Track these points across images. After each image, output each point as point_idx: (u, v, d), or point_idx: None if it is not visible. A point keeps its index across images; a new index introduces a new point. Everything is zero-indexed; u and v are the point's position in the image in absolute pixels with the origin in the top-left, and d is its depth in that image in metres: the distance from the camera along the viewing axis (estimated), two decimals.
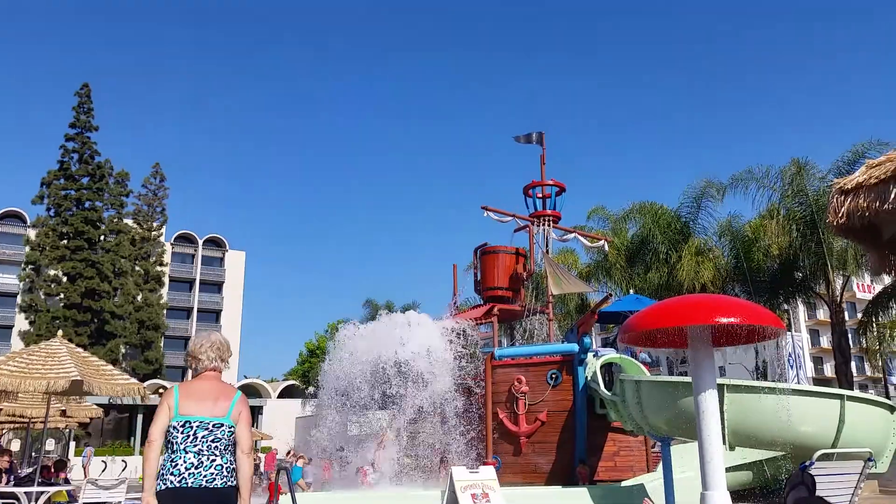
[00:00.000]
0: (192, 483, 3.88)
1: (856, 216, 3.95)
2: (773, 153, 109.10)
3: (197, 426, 4.00)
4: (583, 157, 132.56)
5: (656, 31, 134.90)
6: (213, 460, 3.97)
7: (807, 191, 24.53)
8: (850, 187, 4.01)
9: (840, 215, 3.71)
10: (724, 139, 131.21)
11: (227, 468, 4.00)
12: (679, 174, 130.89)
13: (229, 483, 3.99)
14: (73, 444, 35.40)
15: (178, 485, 3.87)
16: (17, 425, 21.98)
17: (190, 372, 4.52)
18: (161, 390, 45.22)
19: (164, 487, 3.91)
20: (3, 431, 26.43)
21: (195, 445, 3.96)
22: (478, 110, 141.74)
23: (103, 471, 25.42)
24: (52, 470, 11.36)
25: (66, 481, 10.64)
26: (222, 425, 4.04)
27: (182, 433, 3.98)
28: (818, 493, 3.06)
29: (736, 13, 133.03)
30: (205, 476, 3.92)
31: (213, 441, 4.00)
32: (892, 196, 3.72)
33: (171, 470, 3.93)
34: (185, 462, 3.93)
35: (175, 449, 3.97)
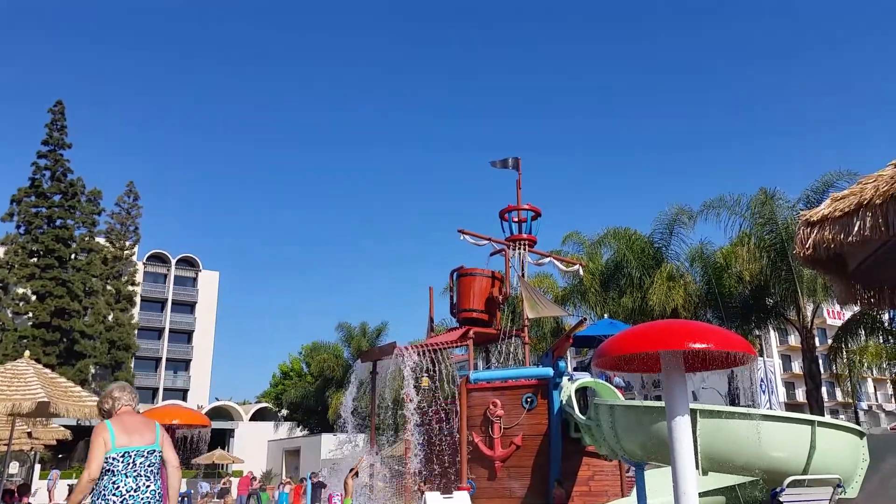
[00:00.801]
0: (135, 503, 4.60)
1: (822, 247, 4.04)
2: (747, 183, 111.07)
3: (135, 455, 4.72)
4: (558, 183, 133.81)
5: (634, 61, 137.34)
6: (149, 486, 4.71)
7: (776, 219, 24.98)
8: (816, 219, 4.10)
9: (807, 247, 3.79)
10: (698, 167, 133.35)
11: (158, 493, 4.76)
12: (653, 200, 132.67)
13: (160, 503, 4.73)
14: (38, 466, 34.51)
15: None
16: None
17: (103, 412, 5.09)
18: None
19: None
20: None
21: (135, 471, 4.67)
22: (454, 135, 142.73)
23: (70, 493, 24.79)
24: (16, 494, 11.06)
25: None
26: (154, 451, 4.83)
27: (123, 462, 4.65)
28: None
29: (713, 42, 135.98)
30: (142, 499, 4.64)
31: (149, 466, 4.75)
32: (856, 228, 3.81)
33: (112, 491, 4.57)
34: (125, 485, 4.60)
35: (116, 474, 4.62)
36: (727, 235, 27.15)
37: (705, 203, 26.90)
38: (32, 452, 25.31)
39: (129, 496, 4.60)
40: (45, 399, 8.89)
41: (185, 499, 9.87)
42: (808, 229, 3.83)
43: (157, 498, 4.72)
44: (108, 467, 4.62)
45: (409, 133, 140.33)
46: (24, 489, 10.70)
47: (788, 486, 5.57)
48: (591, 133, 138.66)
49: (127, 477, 4.63)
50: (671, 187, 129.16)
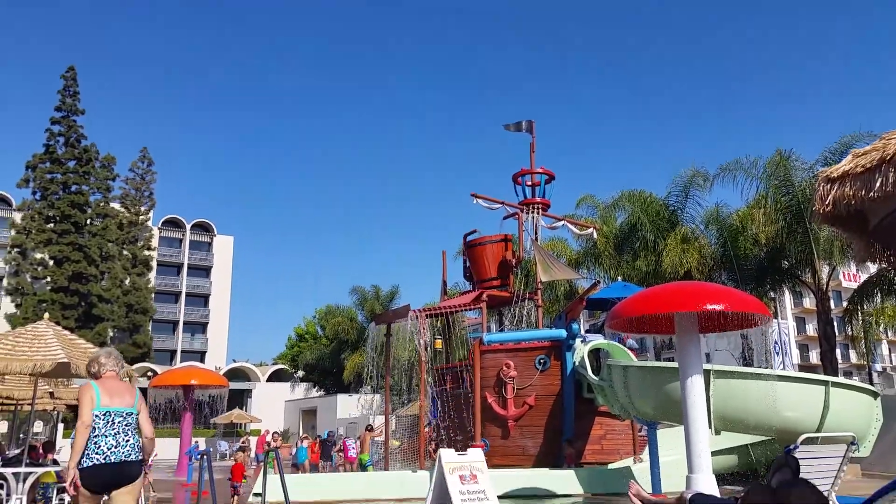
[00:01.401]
0: (114, 459, 5.13)
1: (842, 204, 3.98)
2: (765, 145, 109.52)
3: (115, 414, 5.25)
4: (573, 146, 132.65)
5: (648, 23, 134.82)
6: (128, 440, 5.25)
7: (793, 181, 24.69)
8: (836, 175, 4.04)
9: (826, 203, 3.73)
10: (716, 130, 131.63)
11: (136, 447, 5.30)
12: (669, 163, 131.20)
13: (139, 457, 5.31)
14: (61, 426, 35.31)
15: (103, 461, 5.09)
16: (4, 408, 21.91)
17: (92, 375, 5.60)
18: (150, 373, 45.21)
19: (91, 464, 5.07)
20: None
21: (114, 429, 5.20)
22: (468, 99, 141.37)
23: None
24: (41, 451, 11.35)
25: (55, 462, 10.63)
26: (132, 413, 5.35)
27: (103, 420, 5.18)
28: (802, 475, 3.12)
29: (729, 5, 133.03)
30: (123, 453, 5.19)
31: (126, 425, 5.28)
32: (878, 184, 3.75)
33: (94, 450, 5.10)
34: (106, 444, 5.14)
35: (97, 431, 5.14)
36: (743, 198, 26.90)
37: (721, 166, 26.61)
38: (55, 412, 25.89)
39: (111, 452, 5.13)
40: (66, 360, 9.04)
41: (205, 457, 10.10)
42: (829, 185, 3.77)
43: (137, 450, 5.28)
44: (102, 423, 5.17)
45: (423, 97, 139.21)
46: (49, 446, 10.97)
47: (802, 443, 5.60)
48: (606, 96, 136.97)
49: (107, 436, 5.16)
50: (688, 151, 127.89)
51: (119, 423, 5.24)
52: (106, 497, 5.22)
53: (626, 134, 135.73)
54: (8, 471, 9.65)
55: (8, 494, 9.74)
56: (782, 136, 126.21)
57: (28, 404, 14.05)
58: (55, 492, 9.79)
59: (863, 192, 3.79)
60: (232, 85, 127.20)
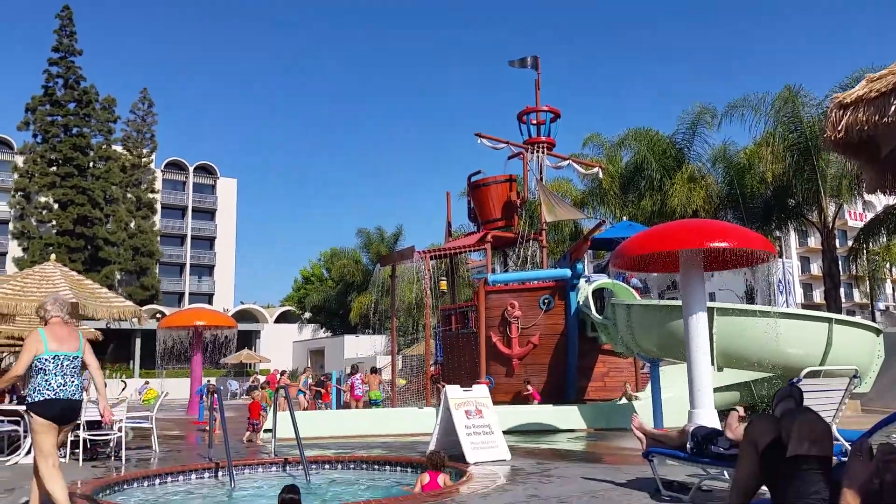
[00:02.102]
0: (61, 395, 5.70)
1: (854, 130, 3.86)
2: (773, 83, 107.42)
3: (63, 358, 5.79)
4: (580, 84, 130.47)
5: None
6: (73, 381, 5.83)
7: (802, 118, 24.32)
8: (849, 101, 3.92)
9: (838, 130, 3.62)
10: (725, 67, 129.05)
11: (79, 387, 5.88)
12: (677, 102, 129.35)
13: (81, 397, 5.95)
14: None
15: (52, 396, 5.65)
16: (15, 348, 22.22)
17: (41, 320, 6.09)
18: (158, 315, 45.68)
19: (43, 398, 5.64)
20: (3, 354, 26.73)
21: (62, 371, 5.75)
22: (472, 37, 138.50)
23: None
24: None
25: None
26: (77, 357, 5.90)
27: (53, 363, 5.73)
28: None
29: None
30: (69, 392, 5.76)
31: (73, 368, 5.84)
32: (893, 109, 3.64)
33: (45, 387, 5.66)
34: (55, 382, 5.69)
35: (48, 373, 5.69)
36: (751, 135, 26.55)
37: (729, 103, 26.17)
38: None
39: (60, 390, 5.70)
40: (74, 300, 9.10)
41: (214, 394, 10.31)
42: (841, 112, 3.66)
43: (79, 391, 5.91)
44: (41, 367, 5.71)
45: (427, 36, 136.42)
46: None
47: (805, 376, 5.65)
48: (614, 33, 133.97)
49: (56, 375, 5.73)
50: (696, 90, 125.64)
51: (67, 365, 5.80)
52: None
53: (634, 72, 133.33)
54: (22, 408, 9.84)
55: (25, 431, 9.96)
56: (792, 75, 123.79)
57: None
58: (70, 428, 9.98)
59: (876, 118, 3.69)
60: (231, 23, 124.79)
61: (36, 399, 5.62)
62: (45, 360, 5.69)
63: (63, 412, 5.70)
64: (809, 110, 24.46)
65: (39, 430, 5.62)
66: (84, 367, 6.01)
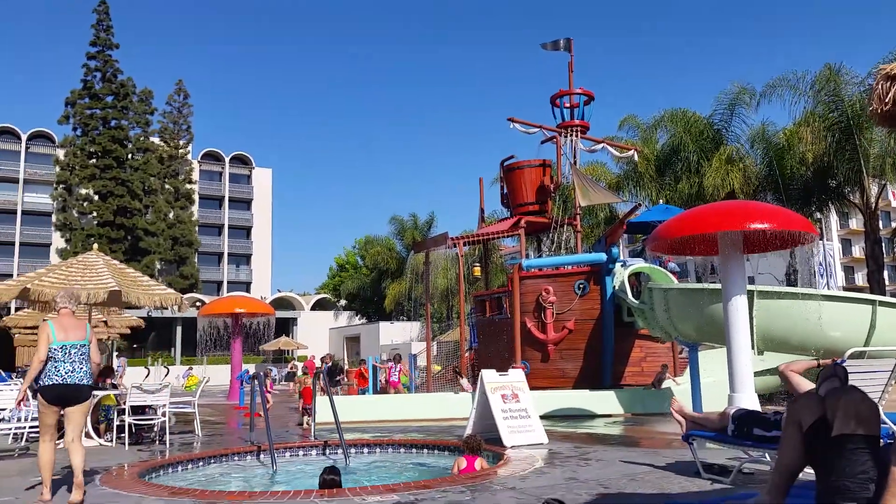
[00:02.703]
0: (69, 381, 6.26)
1: None
2: (812, 61, 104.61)
3: (70, 347, 6.32)
4: (613, 66, 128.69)
5: None
6: (82, 368, 6.37)
7: (843, 96, 23.68)
8: None
9: (886, 101, 3.50)
10: (762, 46, 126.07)
11: (88, 373, 6.44)
12: (713, 82, 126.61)
13: (89, 382, 6.48)
14: (115, 354, 36.88)
15: (59, 382, 6.22)
16: None
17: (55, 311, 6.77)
18: (198, 303, 46.54)
19: (51, 383, 6.21)
20: None
21: (70, 358, 6.29)
22: (505, 21, 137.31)
23: (146, 377, 26.43)
24: (99, 375, 11.86)
25: (114, 386, 11.14)
26: (84, 345, 6.44)
27: (61, 352, 6.27)
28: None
29: None
30: (77, 377, 6.31)
31: (80, 355, 6.38)
32: None
33: (54, 374, 6.21)
34: (64, 369, 6.24)
35: (57, 361, 6.23)
36: (790, 116, 25.92)
37: (768, 83, 25.56)
38: (110, 341, 26.99)
39: (68, 376, 6.25)
40: (117, 288, 9.32)
41: (255, 381, 10.56)
42: (888, 83, 3.54)
43: (88, 377, 6.45)
44: (51, 355, 6.22)
45: (459, 20, 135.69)
46: (107, 371, 11.46)
47: (849, 357, 5.55)
48: (648, 14, 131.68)
49: (65, 363, 6.25)
50: (734, 70, 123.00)
51: (74, 353, 6.34)
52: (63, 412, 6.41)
53: (670, 53, 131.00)
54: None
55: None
56: (831, 53, 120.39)
57: None
58: (115, 413, 10.28)
59: None
60: (261, 14, 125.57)
61: (43, 384, 6.24)
62: (54, 349, 6.24)
63: (61, 396, 6.26)
64: (851, 89, 23.78)
65: (41, 409, 6.33)
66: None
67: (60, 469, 7.00)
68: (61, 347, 6.28)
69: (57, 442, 6.60)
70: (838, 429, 2.52)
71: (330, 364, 19.55)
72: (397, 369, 19.78)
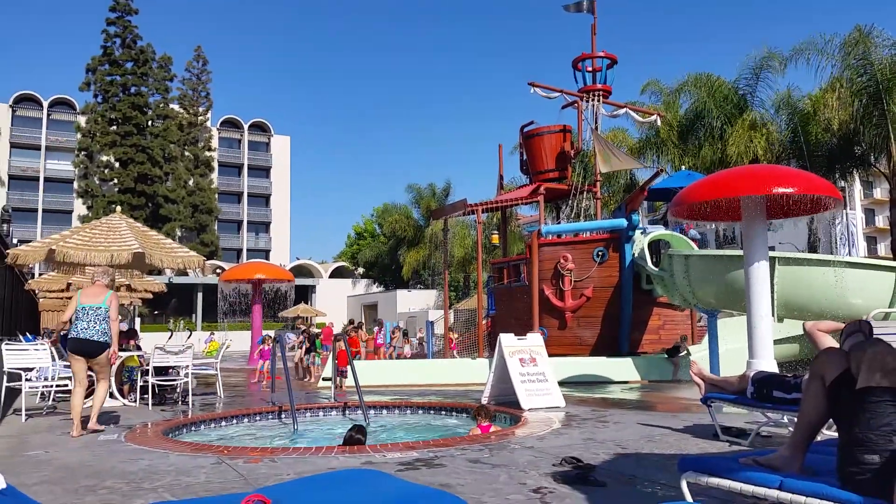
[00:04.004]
0: (83, 336, 7.64)
1: None
2: (842, 23, 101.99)
3: (89, 309, 7.73)
4: (637, 29, 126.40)
5: None
6: (96, 326, 7.68)
7: (872, 60, 23.12)
8: None
9: None
10: (791, 10, 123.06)
11: (102, 331, 7.71)
12: (739, 45, 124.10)
13: (104, 339, 7.72)
14: (137, 320, 37.39)
15: (76, 336, 7.64)
16: None
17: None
18: (219, 270, 47.00)
19: (72, 336, 7.67)
20: None
21: (87, 318, 7.70)
22: None
23: (169, 338, 26.87)
24: (123, 337, 12.06)
25: (138, 347, 11.32)
26: (100, 307, 7.76)
27: (81, 313, 7.72)
28: None
29: None
30: (89, 333, 7.65)
31: (96, 316, 7.72)
32: None
33: (73, 329, 7.68)
34: (80, 326, 7.65)
35: (79, 319, 7.70)
36: (817, 81, 25.36)
37: (795, 47, 24.98)
38: (132, 306, 27.38)
39: (83, 332, 7.63)
40: (140, 250, 9.42)
41: (277, 343, 10.76)
42: None
43: (101, 334, 7.70)
44: (76, 315, 7.71)
45: None
46: (131, 333, 11.65)
47: (874, 318, 5.49)
48: None
49: (82, 321, 7.67)
50: (761, 33, 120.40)
51: (91, 313, 7.70)
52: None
53: (695, 15, 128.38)
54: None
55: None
56: (862, 14, 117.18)
57: None
58: (139, 374, 10.47)
59: None
60: None
61: (68, 336, 7.77)
62: (78, 310, 7.74)
63: (76, 348, 7.62)
64: (881, 51, 23.22)
65: (70, 359, 7.76)
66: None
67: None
68: (81, 309, 7.73)
69: (85, 400, 7.76)
70: (864, 381, 2.50)
71: (307, 336, 19.43)
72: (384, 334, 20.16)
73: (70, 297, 20.42)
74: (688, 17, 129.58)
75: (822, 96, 24.87)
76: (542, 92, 18.94)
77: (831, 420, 2.91)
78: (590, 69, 19.42)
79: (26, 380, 9.06)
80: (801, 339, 15.44)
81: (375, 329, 25.51)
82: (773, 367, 9.01)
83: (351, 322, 24.80)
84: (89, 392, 8.23)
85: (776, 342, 10.59)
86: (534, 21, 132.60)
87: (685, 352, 15.44)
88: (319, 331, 23.34)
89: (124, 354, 10.36)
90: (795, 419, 3.49)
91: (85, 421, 7.62)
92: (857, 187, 59.22)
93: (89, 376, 8.00)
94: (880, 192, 61.39)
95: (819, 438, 3.40)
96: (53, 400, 10.49)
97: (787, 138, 25.91)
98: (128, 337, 11.02)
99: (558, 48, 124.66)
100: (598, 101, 19.10)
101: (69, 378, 9.11)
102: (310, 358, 17.92)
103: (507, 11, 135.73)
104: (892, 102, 22.45)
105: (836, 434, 2.94)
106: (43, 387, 9.85)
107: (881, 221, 62.84)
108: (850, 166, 25.93)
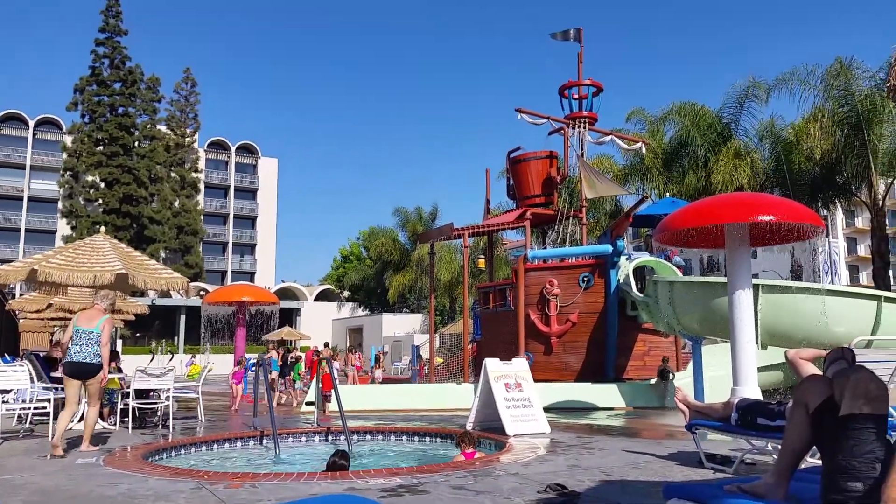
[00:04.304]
0: (76, 359, 7.93)
1: None
2: (823, 56, 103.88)
3: (82, 332, 8.01)
4: (622, 57, 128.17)
5: None
6: (87, 349, 7.96)
7: (853, 91, 23.56)
8: None
9: None
10: (773, 39, 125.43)
11: (94, 353, 7.98)
12: (723, 76, 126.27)
13: (97, 361, 7.99)
14: (119, 342, 36.92)
15: (71, 360, 7.95)
16: (66, 322, 22.99)
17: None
18: (202, 292, 46.66)
19: (67, 360, 8.01)
20: (55, 328, 27.64)
21: (80, 342, 7.96)
22: (512, 10, 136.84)
23: (151, 360, 26.60)
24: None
25: (119, 370, 11.17)
26: (92, 332, 8.03)
27: (76, 336, 7.99)
28: None
29: None
30: (81, 356, 7.92)
31: (88, 339, 7.99)
32: None
33: (69, 354, 7.96)
34: (74, 350, 7.94)
35: (73, 343, 7.96)
36: (799, 110, 25.79)
37: (778, 77, 25.42)
38: (114, 328, 27.09)
39: (76, 354, 7.91)
40: (124, 270, 9.33)
41: (259, 367, 10.67)
42: None
43: (92, 356, 7.97)
44: (73, 338, 7.98)
45: (466, 9, 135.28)
46: (113, 355, 11.47)
47: (856, 346, 5.53)
48: (657, 4, 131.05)
49: (76, 345, 7.94)
50: (744, 64, 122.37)
51: (84, 337, 7.98)
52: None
53: (680, 45, 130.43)
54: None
55: (77, 399, 10.28)
56: (843, 46, 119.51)
57: None
58: (120, 396, 10.31)
59: None
60: (271, 5, 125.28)
61: (64, 360, 8.11)
62: (73, 334, 8.02)
63: (73, 370, 7.93)
64: (861, 83, 23.67)
65: (65, 382, 8.08)
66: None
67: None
68: (76, 332, 8.01)
69: (71, 422, 8.10)
70: (847, 408, 2.50)
71: (280, 356, 19.21)
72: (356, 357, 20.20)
73: (51, 318, 20.34)
74: (672, 46, 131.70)
75: (805, 126, 25.26)
76: (529, 118, 19.11)
77: (815, 448, 2.92)
78: (576, 96, 19.65)
79: (3, 402, 8.89)
80: (785, 366, 15.50)
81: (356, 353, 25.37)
82: (757, 395, 9.04)
83: (326, 345, 24.63)
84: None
85: (760, 369, 10.63)
86: (521, 48, 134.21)
87: (672, 374, 15.46)
88: (302, 354, 23.17)
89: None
90: (779, 446, 3.49)
91: (74, 443, 7.91)
92: (840, 216, 59.95)
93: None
94: (862, 222, 62.17)
95: (803, 466, 3.40)
96: (30, 423, 10.30)
97: (770, 167, 26.25)
98: (109, 359, 10.85)
99: (545, 75, 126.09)
100: (584, 128, 19.29)
101: (47, 400, 8.98)
102: (283, 381, 17.86)
103: (495, 37, 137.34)
104: (872, 133, 22.83)
105: (820, 461, 2.94)
106: (20, 409, 9.68)
107: (863, 250, 63.56)
108: (833, 195, 26.27)
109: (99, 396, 8.16)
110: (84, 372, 7.87)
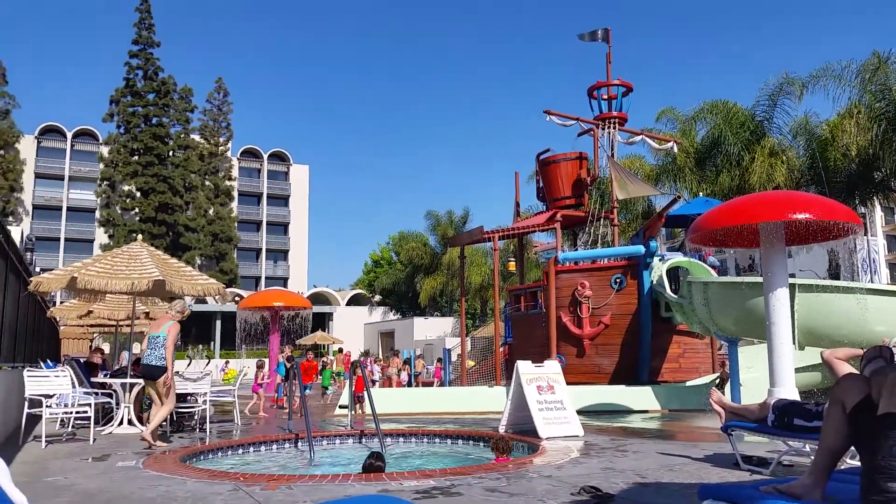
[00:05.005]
0: (144, 362, 8.83)
1: None
2: (858, 49, 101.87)
3: (150, 336, 8.88)
4: (652, 56, 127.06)
5: None
6: (153, 353, 8.77)
7: (891, 85, 23.04)
8: None
9: None
10: (807, 35, 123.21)
11: (159, 356, 8.76)
12: (754, 73, 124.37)
13: (161, 364, 8.74)
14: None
15: (143, 362, 8.85)
16: (105, 329, 23.45)
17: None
18: (237, 298, 47.27)
19: (141, 363, 8.94)
20: (94, 335, 28.21)
21: (150, 346, 8.83)
22: (541, 12, 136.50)
23: (188, 365, 27.09)
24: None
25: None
26: (159, 336, 8.83)
27: (148, 341, 8.86)
28: None
29: None
30: (151, 360, 8.76)
31: (155, 344, 8.80)
32: None
33: (144, 356, 8.85)
34: (146, 354, 8.81)
35: (148, 348, 8.83)
36: (834, 107, 25.31)
37: (812, 73, 24.96)
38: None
39: (145, 358, 8.79)
40: (161, 277, 9.53)
41: (293, 367, 10.85)
42: None
43: (157, 359, 8.75)
44: (148, 343, 8.85)
45: (495, 11, 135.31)
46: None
47: (895, 345, 5.42)
48: (687, 3, 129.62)
49: (148, 349, 8.80)
50: (776, 61, 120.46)
51: (153, 341, 8.81)
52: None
53: (710, 43, 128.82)
54: (116, 381, 10.40)
55: (117, 404, 10.53)
56: (879, 41, 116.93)
57: (127, 325, 15.02)
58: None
59: None
60: (299, 10, 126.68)
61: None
62: (147, 340, 8.88)
63: (142, 373, 8.90)
64: None
65: (145, 383, 9.05)
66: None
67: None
68: (148, 337, 8.91)
69: (103, 427, 9.32)
70: (885, 407, 2.46)
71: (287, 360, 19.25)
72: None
73: (91, 325, 20.94)
74: (702, 44, 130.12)
75: (840, 122, 24.76)
76: (558, 120, 19.03)
77: (854, 449, 2.87)
78: (605, 97, 19.51)
79: (46, 406, 9.13)
80: (823, 367, 15.20)
81: (392, 358, 25.45)
82: (794, 395, 8.89)
83: (367, 353, 24.85)
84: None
85: (798, 370, 10.44)
86: (550, 49, 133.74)
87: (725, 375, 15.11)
88: (332, 358, 23.26)
89: (143, 382, 10.40)
90: (817, 447, 3.44)
91: (114, 447, 8.36)
92: (879, 214, 58.55)
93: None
94: None
95: (842, 467, 3.35)
96: (73, 427, 10.55)
97: (804, 164, 25.77)
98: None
99: (574, 76, 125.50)
100: (614, 128, 19.15)
101: (88, 405, 9.23)
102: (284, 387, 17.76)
103: (523, 39, 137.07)
104: None
105: (859, 463, 2.89)
106: (63, 413, 9.92)
107: None
108: (870, 192, 25.69)
109: (169, 395, 8.82)
110: (150, 373, 8.71)
